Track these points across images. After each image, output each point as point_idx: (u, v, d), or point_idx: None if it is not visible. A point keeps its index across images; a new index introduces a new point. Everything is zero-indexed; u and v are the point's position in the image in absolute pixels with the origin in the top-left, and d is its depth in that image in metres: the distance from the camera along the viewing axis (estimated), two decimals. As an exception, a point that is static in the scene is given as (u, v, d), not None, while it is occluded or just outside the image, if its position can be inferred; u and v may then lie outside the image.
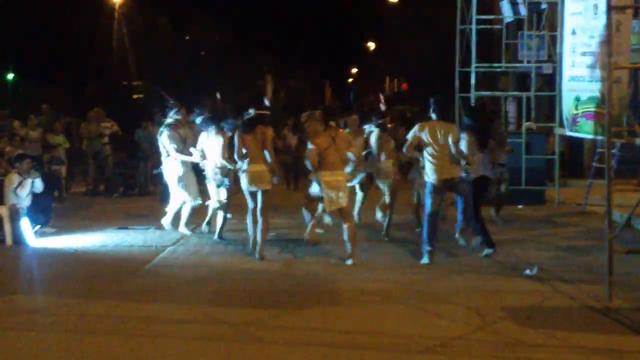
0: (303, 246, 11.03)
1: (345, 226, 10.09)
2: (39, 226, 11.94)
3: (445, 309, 7.75)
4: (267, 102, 10.88)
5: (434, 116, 10.19)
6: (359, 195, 12.54)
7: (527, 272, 9.31)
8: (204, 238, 11.93)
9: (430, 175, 9.99)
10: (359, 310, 7.81)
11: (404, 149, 10.31)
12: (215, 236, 11.77)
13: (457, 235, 11.13)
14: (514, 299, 8.17)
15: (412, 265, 9.94)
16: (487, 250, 10.39)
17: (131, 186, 18.71)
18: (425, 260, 9.90)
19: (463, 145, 10.22)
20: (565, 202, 15.95)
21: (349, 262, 9.92)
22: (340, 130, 10.50)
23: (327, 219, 12.31)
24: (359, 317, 7.55)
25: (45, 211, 12.31)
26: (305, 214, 11.13)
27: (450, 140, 9.89)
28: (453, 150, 9.90)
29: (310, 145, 10.07)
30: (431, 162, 9.93)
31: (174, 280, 9.15)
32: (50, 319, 7.57)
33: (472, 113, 11.45)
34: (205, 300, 8.25)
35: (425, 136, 9.93)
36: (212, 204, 12.06)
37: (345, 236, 10.05)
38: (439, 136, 9.90)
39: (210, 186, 11.92)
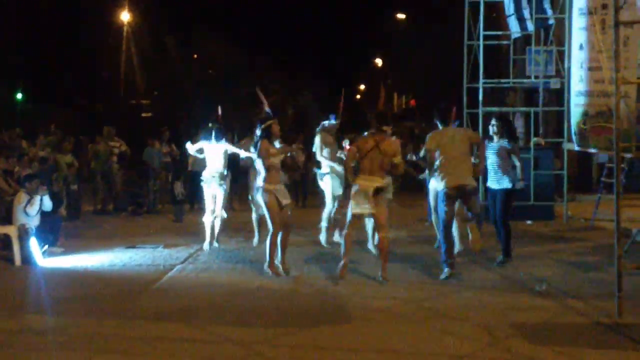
0: (310, 264, 11.06)
1: (378, 236, 9.99)
2: (47, 246, 11.95)
3: (454, 325, 7.73)
4: (267, 109, 11.01)
5: (439, 124, 10.29)
6: None
7: (536, 288, 9.28)
8: (212, 256, 11.93)
9: (441, 182, 9.97)
10: (368, 328, 7.78)
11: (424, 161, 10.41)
12: (215, 243, 12.59)
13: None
14: (523, 315, 8.13)
15: (420, 282, 9.92)
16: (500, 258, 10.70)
17: (140, 205, 18.73)
18: (445, 274, 9.84)
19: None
20: (574, 217, 15.92)
21: (380, 277, 9.80)
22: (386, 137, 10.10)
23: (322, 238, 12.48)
24: (367, 335, 7.52)
25: (53, 231, 12.35)
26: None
27: (464, 146, 9.97)
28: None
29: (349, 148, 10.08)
30: (441, 169, 9.93)
31: (183, 299, 9.13)
32: (59, 338, 7.55)
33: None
34: (213, 318, 8.22)
35: (436, 144, 10.00)
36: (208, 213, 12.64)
37: (376, 241, 9.96)
38: (448, 143, 9.95)
39: (207, 193, 12.53)
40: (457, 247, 11.41)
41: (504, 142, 10.85)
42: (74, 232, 14.51)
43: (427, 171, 11.35)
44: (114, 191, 19.02)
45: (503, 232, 10.81)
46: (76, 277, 10.67)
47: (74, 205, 17.00)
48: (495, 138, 10.90)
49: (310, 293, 9.41)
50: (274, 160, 10.30)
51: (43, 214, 12.10)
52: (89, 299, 9.21)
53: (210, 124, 12.90)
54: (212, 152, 12.55)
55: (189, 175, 18.63)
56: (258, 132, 10.46)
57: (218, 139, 12.47)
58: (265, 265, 10.33)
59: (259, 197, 10.40)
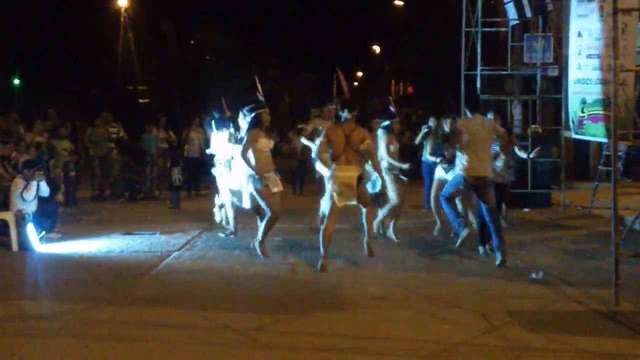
0: (306, 251, 11.07)
1: (364, 210, 9.91)
2: (44, 232, 11.93)
3: (450, 313, 7.73)
4: (261, 98, 11.06)
5: (468, 113, 10.31)
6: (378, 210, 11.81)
7: (533, 275, 9.29)
8: (209, 243, 11.93)
9: (463, 168, 9.97)
10: (364, 314, 7.78)
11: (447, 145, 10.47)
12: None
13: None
14: (520, 302, 8.15)
15: (417, 269, 9.92)
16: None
17: (137, 191, 18.71)
18: (463, 236, 9.98)
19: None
20: (571, 205, 15.93)
21: (365, 239, 9.86)
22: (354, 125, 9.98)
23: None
24: (363, 321, 7.52)
25: (50, 217, 12.33)
26: None
27: (489, 136, 10.04)
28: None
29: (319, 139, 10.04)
30: (467, 156, 9.93)
31: (180, 286, 9.13)
32: (56, 324, 7.56)
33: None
34: (210, 305, 8.21)
35: (466, 129, 10.00)
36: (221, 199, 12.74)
37: (363, 218, 9.91)
38: (477, 131, 9.96)
39: (220, 182, 12.54)
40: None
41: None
42: (71, 218, 14.51)
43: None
44: (111, 177, 19.01)
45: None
46: (73, 263, 10.67)
47: (71, 191, 16.99)
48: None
49: (307, 280, 9.42)
50: (263, 148, 10.35)
51: (40, 199, 12.09)
52: (85, 285, 9.20)
53: (216, 115, 12.90)
54: (218, 141, 12.70)
55: (186, 161, 18.64)
56: (247, 119, 10.63)
57: (223, 128, 12.57)
58: (257, 242, 10.52)
59: (251, 186, 10.51)
